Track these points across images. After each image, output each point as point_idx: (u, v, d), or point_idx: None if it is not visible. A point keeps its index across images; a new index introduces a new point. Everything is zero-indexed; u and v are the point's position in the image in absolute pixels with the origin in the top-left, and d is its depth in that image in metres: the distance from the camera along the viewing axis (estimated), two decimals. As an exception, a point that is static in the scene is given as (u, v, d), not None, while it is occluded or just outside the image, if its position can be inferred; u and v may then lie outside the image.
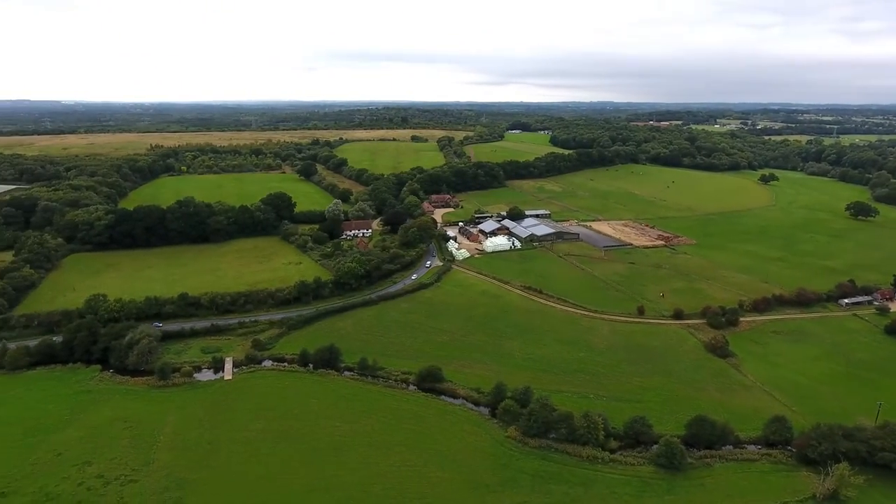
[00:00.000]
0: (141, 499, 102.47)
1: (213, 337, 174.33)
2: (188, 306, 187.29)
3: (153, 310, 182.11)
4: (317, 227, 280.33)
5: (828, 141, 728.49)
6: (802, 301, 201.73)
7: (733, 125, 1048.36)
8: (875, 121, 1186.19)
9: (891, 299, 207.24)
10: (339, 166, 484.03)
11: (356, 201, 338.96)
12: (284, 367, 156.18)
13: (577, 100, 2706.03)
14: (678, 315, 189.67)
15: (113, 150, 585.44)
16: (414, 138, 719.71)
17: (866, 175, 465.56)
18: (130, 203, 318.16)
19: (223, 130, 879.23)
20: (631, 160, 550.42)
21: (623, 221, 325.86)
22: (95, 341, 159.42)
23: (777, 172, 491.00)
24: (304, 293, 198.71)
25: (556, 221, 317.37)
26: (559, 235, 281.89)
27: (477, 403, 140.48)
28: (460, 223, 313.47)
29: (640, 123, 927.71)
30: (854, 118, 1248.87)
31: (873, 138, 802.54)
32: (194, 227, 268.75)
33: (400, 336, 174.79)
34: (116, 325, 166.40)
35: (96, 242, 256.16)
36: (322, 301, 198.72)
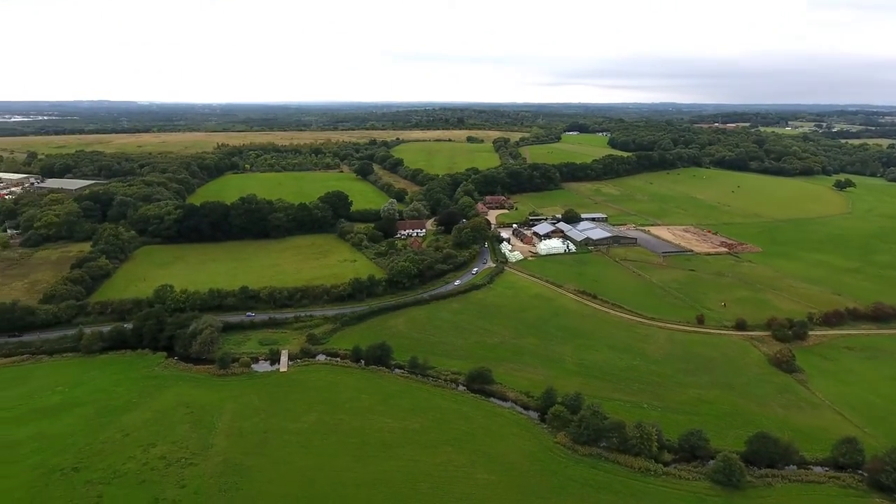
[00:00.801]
0: (200, 482, 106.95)
1: (271, 330, 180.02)
2: (248, 299, 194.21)
3: (216, 301, 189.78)
4: (372, 225, 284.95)
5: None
6: (879, 316, 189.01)
7: (806, 128, 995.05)
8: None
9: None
10: (395, 166, 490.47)
11: (411, 201, 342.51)
12: (337, 362, 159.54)
13: (637, 101, 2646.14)
14: (741, 326, 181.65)
15: (183, 148, 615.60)
16: (469, 139, 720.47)
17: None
18: (197, 199, 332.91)
19: (285, 130, 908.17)
20: (694, 163, 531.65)
21: (683, 227, 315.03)
22: (162, 329, 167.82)
23: (854, 178, 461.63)
24: (358, 290, 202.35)
25: (613, 225, 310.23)
26: (615, 240, 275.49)
27: (526, 407, 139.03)
28: (514, 225, 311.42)
29: (705, 125, 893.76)
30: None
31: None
32: (256, 224, 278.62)
33: (450, 336, 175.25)
34: (182, 314, 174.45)
35: (165, 236, 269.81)
36: (375, 299, 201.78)
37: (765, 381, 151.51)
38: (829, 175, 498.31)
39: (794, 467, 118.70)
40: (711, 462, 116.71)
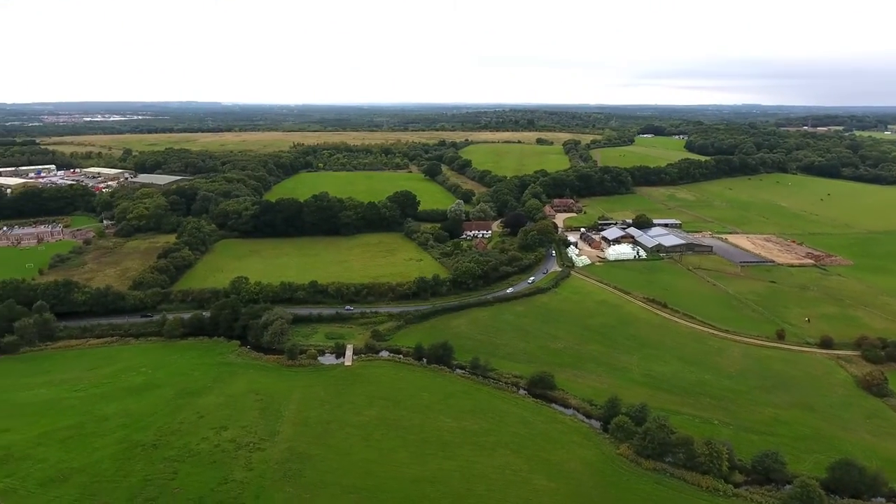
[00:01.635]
0: (266, 466, 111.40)
1: (337, 324, 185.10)
2: (317, 293, 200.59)
3: (286, 294, 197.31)
4: (438, 225, 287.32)
5: None
6: None
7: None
8: None
9: None
10: (463, 167, 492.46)
11: (478, 202, 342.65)
12: (400, 359, 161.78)
13: (717, 102, 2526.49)
14: (826, 343, 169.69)
15: (261, 147, 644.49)
16: (539, 141, 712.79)
17: None
18: (273, 196, 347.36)
19: (357, 130, 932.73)
20: (778, 169, 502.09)
21: (765, 236, 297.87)
22: (237, 319, 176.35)
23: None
24: (422, 289, 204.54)
25: (687, 232, 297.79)
26: (689, 247, 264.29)
27: (588, 416, 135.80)
28: (582, 229, 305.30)
29: (792, 129, 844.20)
30: None
31: None
32: (326, 221, 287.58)
33: (513, 339, 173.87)
34: (255, 306, 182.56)
35: (242, 230, 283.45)
36: (439, 298, 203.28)
37: (851, 404, 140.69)
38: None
39: (883, 500, 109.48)
40: (787, 487, 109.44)
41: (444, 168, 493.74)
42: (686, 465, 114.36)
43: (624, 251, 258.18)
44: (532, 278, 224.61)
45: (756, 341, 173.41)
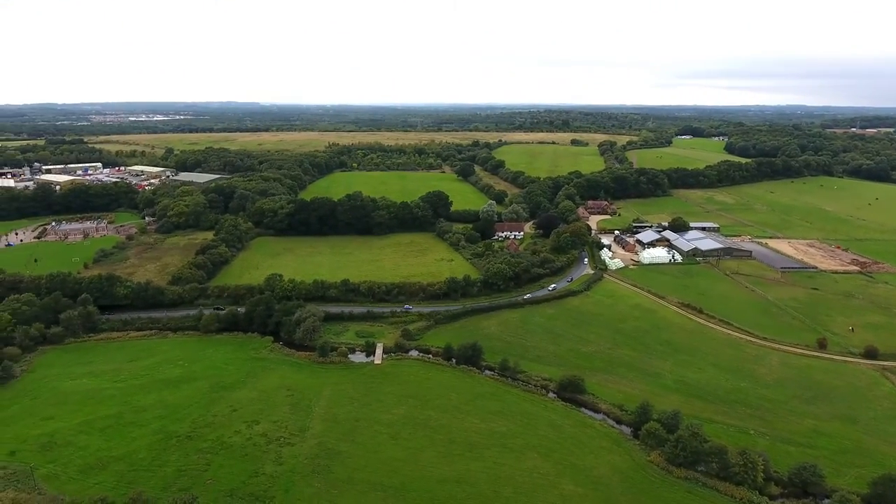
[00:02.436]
0: (295, 461, 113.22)
1: (368, 323, 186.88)
2: (348, 292, 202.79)
3: (319, 292, 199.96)
4: (470, 226, 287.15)
5: None
6: None
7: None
8: None
9: None
10: (496, 168, 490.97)
11: (510, 203, 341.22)
12: (429, 358, 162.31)
13: (759, 103, 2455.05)
14: (871, 354, 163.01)
15: (297, 146, 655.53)
16: (574, 142, 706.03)
17: None
18: (308, 194, 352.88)
19: (391, 131, 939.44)
20: (823, 172, 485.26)
21: (807, 241, 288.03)
22: (270, 315, 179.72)
23: None
24: (453, 290, 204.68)
25: (726, 236, 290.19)
26: (727, 251, 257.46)
27: (619, 421, 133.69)
28: (616, 231, 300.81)
29: (839, 130, 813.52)
30: None
31: None
32: (360, 220, 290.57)
33: (543, 341, 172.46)
34: (288, 302, 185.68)
35: (278, 228, 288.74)
36: (469, 299, 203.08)
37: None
38: None
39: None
40: (826, 501, 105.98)
41: (477, 169, 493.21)
42: (719, 475, 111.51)
43: (659, 255, 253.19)
44: (564, 281, 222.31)
45: (796, 350, 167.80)
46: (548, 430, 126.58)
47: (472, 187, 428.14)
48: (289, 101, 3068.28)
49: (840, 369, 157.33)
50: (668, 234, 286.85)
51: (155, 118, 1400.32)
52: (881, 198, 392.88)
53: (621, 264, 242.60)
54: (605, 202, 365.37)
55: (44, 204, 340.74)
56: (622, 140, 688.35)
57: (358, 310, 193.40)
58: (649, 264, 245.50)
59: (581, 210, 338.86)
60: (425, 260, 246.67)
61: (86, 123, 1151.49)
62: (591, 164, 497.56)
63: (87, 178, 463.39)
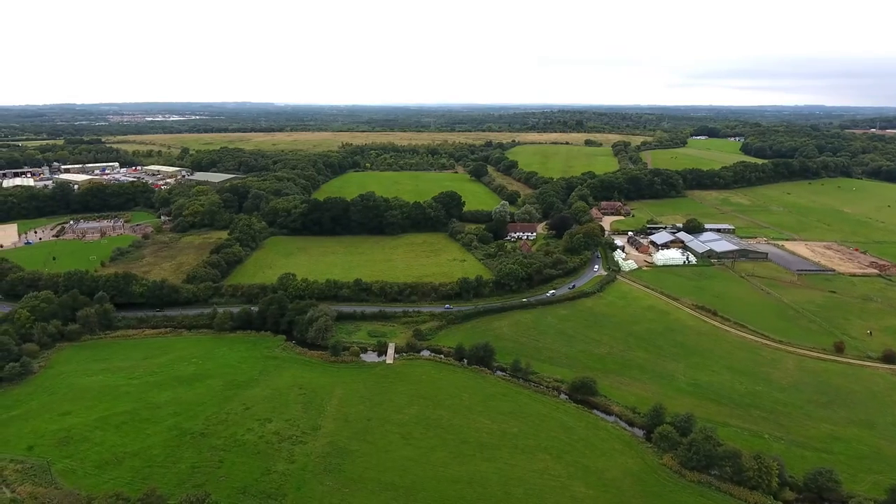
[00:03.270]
0: (307, 459, 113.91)
1: (380, 322, 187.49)
2: (361, 291, 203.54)
3: (332, 292, 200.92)
4: (483, 226, 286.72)
5: None
6: None
7: None
8: None
9: None
10: (509, 168, 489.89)
11: (523, 204, 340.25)
12: (441, 358, 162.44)
13: (777, 103, 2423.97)
14: (889, 358, 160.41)
15: (311, 146, 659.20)
16: (587, 142, 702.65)
17: None
18: (321, 194, 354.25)
19: (405, 131, 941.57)
20: (842, 173, 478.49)
21: (825, 243, 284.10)
22: (283, 314, 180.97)
23: None
24: (465, 290, 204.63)
25: (741, 238, 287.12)
26: (743, 253, 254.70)
27: (631, 423, 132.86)
28: (630, 232, 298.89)
29: (858, 131, 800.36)
30: None
31: None
32: (372, 220, 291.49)
33: (555, 343, 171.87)
34: (301, 302, 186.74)
35: (291, 227, 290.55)
36: (481, 299, 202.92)
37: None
38: None
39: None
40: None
41: (490, 169, 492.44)
42: (733, 479, 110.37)
43: (673, 256, 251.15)
44: (577, 282, 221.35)
45: (812, 353, 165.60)
46: (559, 432, 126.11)
47: (485, 188, 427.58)
48: (303, 101, 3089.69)
49: (857, 373, 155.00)
50: (682, 235, 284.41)
51: (171, 118, 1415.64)
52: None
53: (635, 266, 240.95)
54: (619, 203, 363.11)
55: (62, 203, 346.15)
56: (636, 140, 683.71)
57: (370, 309, 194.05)
58: (663, 266, 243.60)
59: (594, 211, 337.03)
60: (438, 260, 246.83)
61: (104, 123, 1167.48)
62: (605, 164, 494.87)
63: (105, 177, 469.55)
